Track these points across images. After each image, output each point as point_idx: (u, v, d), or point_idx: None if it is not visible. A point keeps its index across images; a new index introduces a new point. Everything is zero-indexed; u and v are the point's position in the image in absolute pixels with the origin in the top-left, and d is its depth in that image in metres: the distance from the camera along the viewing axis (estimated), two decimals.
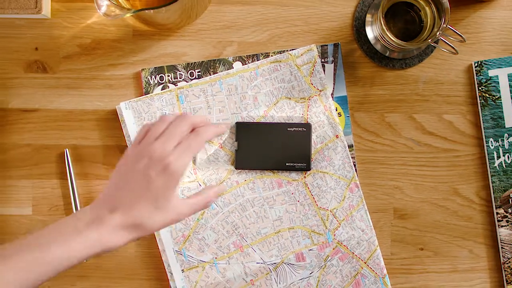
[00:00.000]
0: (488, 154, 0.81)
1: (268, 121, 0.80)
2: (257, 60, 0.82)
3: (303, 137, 0.79)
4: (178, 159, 0.66)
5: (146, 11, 0.70)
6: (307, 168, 0.79)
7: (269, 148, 0.79)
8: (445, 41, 0.76)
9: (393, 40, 0.75)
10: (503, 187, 0.81)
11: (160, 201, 0.65)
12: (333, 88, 0.82)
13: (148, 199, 0.65)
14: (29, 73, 0.83)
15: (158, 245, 0.81)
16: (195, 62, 0.82)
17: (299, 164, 0.79)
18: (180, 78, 0.82)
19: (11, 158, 0.83)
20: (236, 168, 0.79)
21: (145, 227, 0.65)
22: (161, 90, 0.82)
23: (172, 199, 0.66)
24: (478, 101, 0.81)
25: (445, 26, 0.73)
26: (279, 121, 0.80)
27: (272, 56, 0.82)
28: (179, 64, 0.82)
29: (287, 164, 0.79)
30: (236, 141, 0.79)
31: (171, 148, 0.66)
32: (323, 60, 0.82)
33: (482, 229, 0.82)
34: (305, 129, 0.79)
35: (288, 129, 0.79)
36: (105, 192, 0.67)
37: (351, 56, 0.82)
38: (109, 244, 0.65)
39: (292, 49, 0.82)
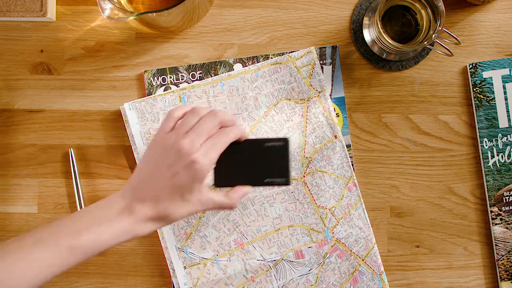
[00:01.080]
0: (482, 153, 0.82)
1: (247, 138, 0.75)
2: (257, 62, 0.83)
3: (281, 152, 0.73)
4: (205, 156, 0.67)
5: (149, 14, 0.71)
6: (287, 183, 0.72)
7: (247, 164, 0.73)
8: (440, 44, 0.77)
9: (389, 43, 0.76)
10: (497, 186, 0.81)
11: (186, 194, 0.68)
12: (331, 89, 0.83)
13: (175, 193, 0.68)
14: (35, 74, 0.84)
15: (161, 242, 0.82)
16: (196, 64, 0.83)
17: (279, 179, 0.73)
18: (182, 79, 0.83)
19: (17, 157, 0.83)
20: (215, 186, 0.73)
21: (171, 218, 0.68)
22: (163, 91, 0.83)
23: (197, 192, 0.69)
24: (473, 102, 0.82)
25: (440, 29, 0.74)
26: (256, 137, 0.75)
27: (272, 58, 0.83)
28: (181, 66, 0.83)
29: (266, 180, 0.73)
30: None
31: (199, 145, 0.68)
32: (321, 62, 0.83)
33: (477, 227, 0.83)
34: (282, 144, 0.73)
35: (265, 144, 0.73)
36: (134, 181, 0.70)
37: (349, 58, 0.83)
38: (137, 233, 0.67)
39: (292, 51, 0.83)
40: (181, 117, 0.71)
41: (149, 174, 0.69)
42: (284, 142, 0.73)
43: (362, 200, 0.82)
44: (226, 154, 0.71)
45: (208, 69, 0.83)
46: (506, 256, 0.81)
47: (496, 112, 0.81)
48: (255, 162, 0.73)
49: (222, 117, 0.71)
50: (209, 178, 0.71)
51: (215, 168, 0.73)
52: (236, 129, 0.71)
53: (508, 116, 0.81)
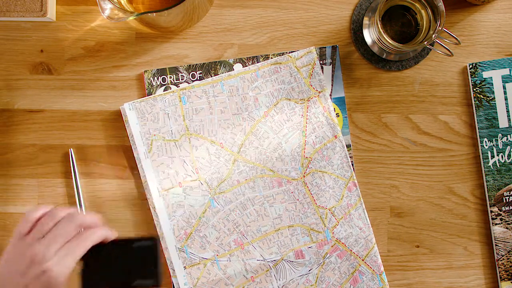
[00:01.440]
0: (482, 153, 0.82)
1: (114, 238, 0.71)
2: (257, 62, 0.83)
3: (150, 252, 0.69)
4: (59, 264, 0.63)
5: (149, 14, 0.71)
6: (157, 284, 0.68)
7: (116, 267, 0.69)
8: (440, 44, 0.77)
9: (389, 43, 0.76)
10: (497, 186, 0.81)
11: None
12: (331, 89, 0.83)
13: None
14: (35, 74, 0.84)
15: (161, 242, 0.82)
16: (196, 64, 0.83)
17: (148, 281, 0.68)
18: (182, 79, 0.83)
19: (17, 157, 0.83)
20: None
21: None
22: (163, 91, 0.83)
23: None
24: (473, 102, 0.82)
25: (440, 29, 0.74)
26: (123, 237, 0.71)
27: (272, 58, 0.83)
28: (181, 66, 0.83)
29: (135, 283, 0.68)
30: (81, 260, 0.67)
31: (54, 252, 0.63)
32: (321, 62, 0.83)
33: (477, 227, 0.83)
34: (151, 243, 0.69)
35: (133, 245, 0.69)
36: None
37: (349, 58, 0.83)
38: None
39: (292, 51, 0.83)
40: (39, 219, 0.66)
41: (2, 282, 0.64)
42: (153, 241, 0.69)
43: (362, 200, 0.82)
44: (93, 257, 0.68)
45: (208, 69, 0.83)
46: (506, 256, 0.81)
47: (496, 112, 0.81)
48: (124, 264, 0.69)
49: (80, 220, 0.66)
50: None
51: (82, 271, 0.69)
52: (98, 231, 0.67)
53: (508, 116, 0.81)
